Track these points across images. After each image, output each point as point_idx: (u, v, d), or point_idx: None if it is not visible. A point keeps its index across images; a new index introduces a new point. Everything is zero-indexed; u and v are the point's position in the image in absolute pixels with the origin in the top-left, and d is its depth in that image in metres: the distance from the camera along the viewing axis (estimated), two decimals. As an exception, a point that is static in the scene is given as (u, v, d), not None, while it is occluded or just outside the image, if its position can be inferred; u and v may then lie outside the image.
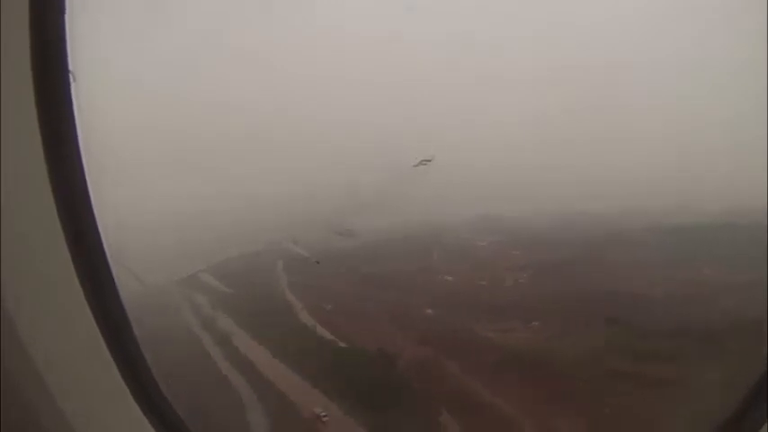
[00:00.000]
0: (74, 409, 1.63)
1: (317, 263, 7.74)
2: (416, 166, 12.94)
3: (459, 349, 15.33)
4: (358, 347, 14.50)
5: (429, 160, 13.13)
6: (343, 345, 14.48)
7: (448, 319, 17.44)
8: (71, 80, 1.63)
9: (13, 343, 1.53)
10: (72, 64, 1.63)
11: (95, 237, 1.75)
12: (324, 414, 12.57)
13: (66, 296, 1.66)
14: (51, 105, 1.57)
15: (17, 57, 1.51)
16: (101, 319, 1.70)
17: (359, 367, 14.16)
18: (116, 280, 1.82)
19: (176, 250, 5.30)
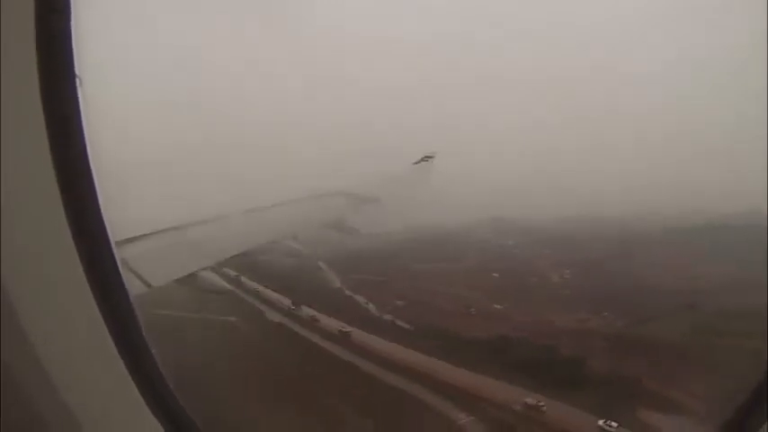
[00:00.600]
0: (78, 404, 1.66)
1: (318, 263, 7.72)
2: (418, 162, 12.91)
3: (559, 335, 16.33)
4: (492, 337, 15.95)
5: (431, 157, 13.07)
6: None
7: (516, 312, 17.89)
8: (77, 84, 1.65)
9: (17, 337, 1.55)
10: (78, 68, 1.65)
11: (100, 231, 1.77)
12: (541, 404, 13.29)
13: (71, 291, 1.68)
14: (58, 109, 1.60)
15: (24, 60, 1.54)
16: (107, 314, 1.72)
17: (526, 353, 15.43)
18: (123, 278, 1.84)
19: (179, 250, 5.32)
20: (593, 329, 16.56)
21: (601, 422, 12.42)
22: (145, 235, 5.13)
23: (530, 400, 13.65)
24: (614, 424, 12.23)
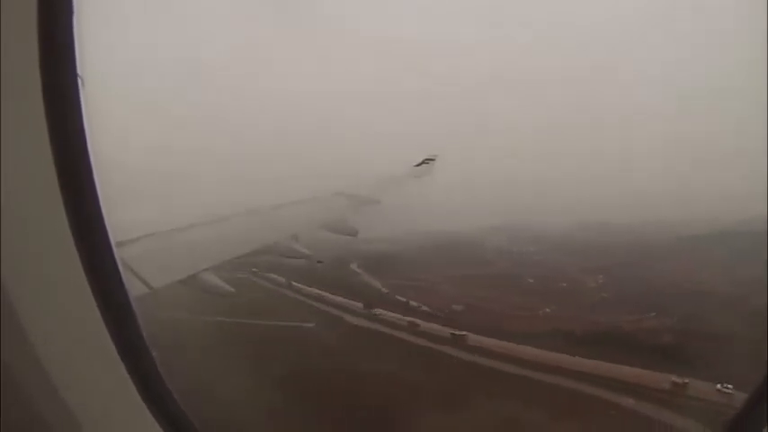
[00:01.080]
0: (78, 404, 1.66)
1: (320, 262, 7.72)
2: (419, 165, 12.95)
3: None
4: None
5: (432, 159, 13.12)
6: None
7: (566, 315, 18.12)
8: (80, 85, 1.65)
9: (17, 337, 1.56)
10: (80, 69, 1.65)
11: (101, 232, 1.77)
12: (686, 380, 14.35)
13: (71, 291, 1.68)
14: (61, 110, 1.59)
15: (26, 61, 1.54)
16: (107, 316, 1.72)
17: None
18: (123, 278, 1.84)
19: (180, 251, 5.31)
20: (654, 327, 17.05)
21: (718, 386, 13.77)
22: (145, 236, 5.12)
23: (675, 379, 14.74)
24: (730, 386, 13.49)
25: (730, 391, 13.54)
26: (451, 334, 17.27)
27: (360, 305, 18.85)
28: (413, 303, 19.31)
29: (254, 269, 18.22)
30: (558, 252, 22.38)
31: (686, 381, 14.69)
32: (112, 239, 1.80)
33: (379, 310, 18.65)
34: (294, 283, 18.93)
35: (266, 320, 15.61)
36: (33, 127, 1.56)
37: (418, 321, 18.22)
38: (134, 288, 3.99)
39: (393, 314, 18.53)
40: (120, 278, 1.82)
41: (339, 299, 19.19)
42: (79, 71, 1.65)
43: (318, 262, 7.62)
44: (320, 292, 19.21)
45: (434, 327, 17.81)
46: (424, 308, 18.87)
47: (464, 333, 17.23)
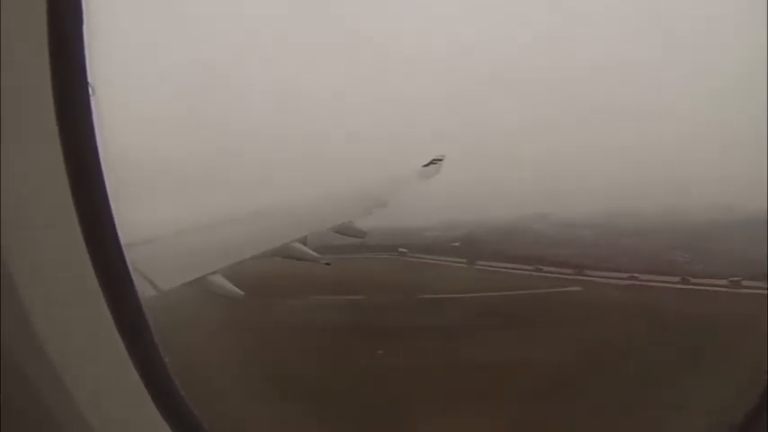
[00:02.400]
0: (89, 406, 1.67)
1: (327, 264, 7.73)
2: (426, 165, 12.94)
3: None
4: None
5: (440, 159, 13.11)
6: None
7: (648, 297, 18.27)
8: (90, 93, 1.67)
9: (29, 338, 1.57)
10: (91, 77, 1.67)
11: (112, 234, 1.80)
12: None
13: (83, 296, 1.70)
14: (71, 118, 1.61)
15: (37, 68, 1.56)
16: (117, 318, 1.74)
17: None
18: (133, 280, 1.86)
19: (189, 253, 5.34)
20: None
21: None
22: (154, 238, 5.15)
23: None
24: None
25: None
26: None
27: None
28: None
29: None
30: (614, 234, 22.35)
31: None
32: (123, 242, 1.82)
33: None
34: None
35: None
36: (45, 134, 1.58)
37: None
38: (142, 290, 4.02)
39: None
40: (131, 280, 1.84)
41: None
42: (90, 79, 1.67)
43: (326, 264, 7.62)
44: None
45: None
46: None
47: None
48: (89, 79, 1.66)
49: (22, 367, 1.59)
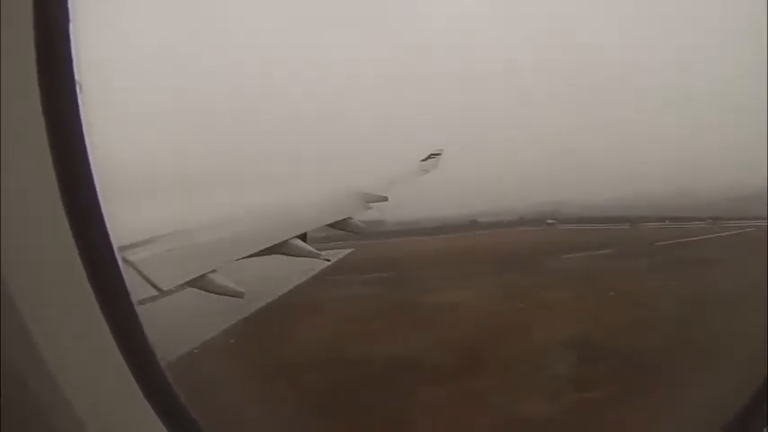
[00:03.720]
0: (86, 410, 1.67)
1: (327, 261, 7.73)
2: (425, 160, 12.94)
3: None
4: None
5: (438, 154, 13.12)
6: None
7: None
8: (78, 90, 1.65)
9: (23, 340, 1.56)
10: (79, 71, 1.65)
11: (104, 237, 1.77)
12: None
13: (76, 299, 1.69)
14: (59, 116, 1.59)
15: (22, 64, 1.54)
16: (110, 320, 1.72)
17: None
18: (126, 282, 1.85)
19: (188, 253, 5.33)
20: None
21: None
22: (152, 238, 5.14)
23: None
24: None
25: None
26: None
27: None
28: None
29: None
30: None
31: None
32: (114, 242, 1.80)
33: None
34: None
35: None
36: (32, 132, 1.56)
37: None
38: (142, 291, 4.02)
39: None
40: (123, 282, 1.83)
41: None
42: (77, 76, 1.65)
43: (326, 260, 7.62)
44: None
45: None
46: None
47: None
48: (77, 77, 1.64)
49: (19, 372, 1.58)
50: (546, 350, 11.55)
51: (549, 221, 22.34)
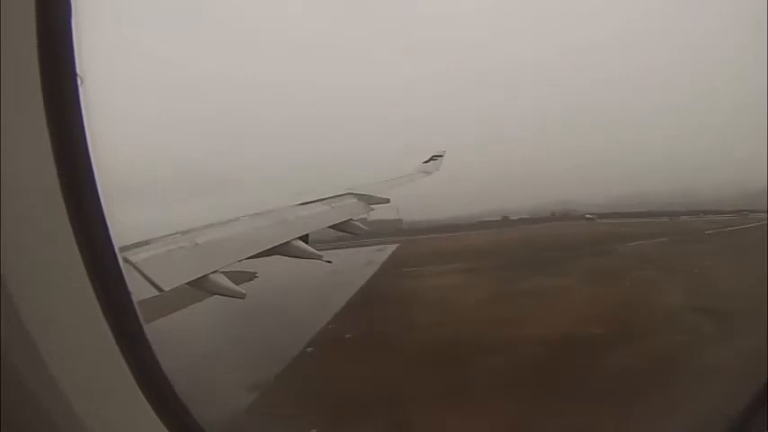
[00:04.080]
0: (87, 411, 1.66)
1: (328, 262, 7.73)
2: (427, 162, 12.95)
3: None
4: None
5: (440, 155, 13.13)
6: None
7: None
8: (79, 83, 1.65)
9: (23, 340, 1.56)
10: (79, 68, 1.65)
11: (106, 238, 1.78)
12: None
13: (76, 298, 1.68)
14: (60, 111, 1.59)
15: (24, 60, 1.54)
16: (110, 319, 1.72)
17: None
18: (127, 283, 1.85)
19: (191, 255, 5.33)
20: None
21: None
22: (154, 239, 5.14)
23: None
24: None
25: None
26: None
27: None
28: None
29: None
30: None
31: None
32: (116, 244, 1.81)
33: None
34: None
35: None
36: (33, 129, 1.56)
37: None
38: (144, 291, 4.02)
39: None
40: (124, 281, 1.83)
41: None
42: (79, 71, 1.65)
43: (327, 261, 7.62)
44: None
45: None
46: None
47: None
48: (78, 71, 1.64)
49: (18, 370, 1.57)
50: (674, 316, 12.01)
51: (587, 216, 23.50)
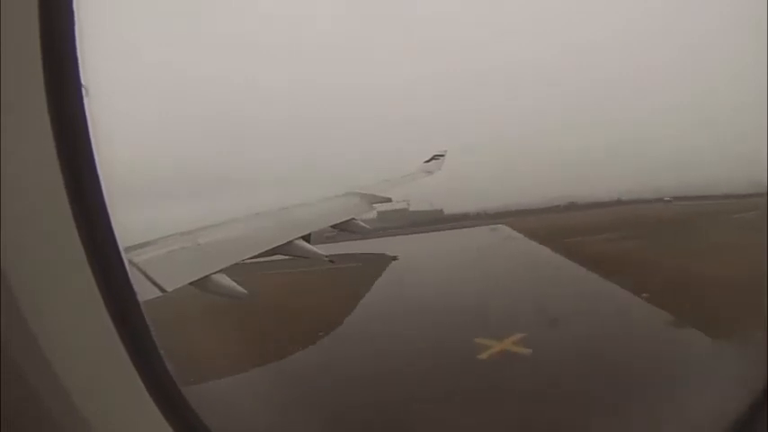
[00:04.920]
0: (90, 409, 1.67)
1: (331, 261, 7.73)
2: (428, 161, 12.93)
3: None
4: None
5: (442, 155, 13.11)
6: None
7: None
8: (84, 94, 1.67)
9: (26, 340, 1.57)
10: (84, 78, 1.67)
11: (110, 239, 1.79)
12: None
13: (82, 298, 1.70)
14: (66, 120, 1.61)
15: (29, 70, 1.56)
16: (116, 319, 1.73)
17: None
18: (131, 281, 1.86)
19: (193, 255, 5.34)
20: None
21: None
22: (157, 239, 5.16)
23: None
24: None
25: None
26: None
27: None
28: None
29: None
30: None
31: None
32: (121, 246, 1.82)
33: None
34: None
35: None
36: (39, 136, 1.58)
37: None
38: (146, 291, 4.04)
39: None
40: (129, 281, 1.84)
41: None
42: (83, 81, 1.67)
43: (330, 261, 7.62)
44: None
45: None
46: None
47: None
48: (83, 81, 1.66)
49: (21, 369, 1.59)
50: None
51: (666, 199, 26.35)
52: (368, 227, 8.87)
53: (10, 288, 1.51)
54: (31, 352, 1.57)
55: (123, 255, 1.84)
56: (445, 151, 13.18)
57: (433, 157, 13.01)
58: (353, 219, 8.54)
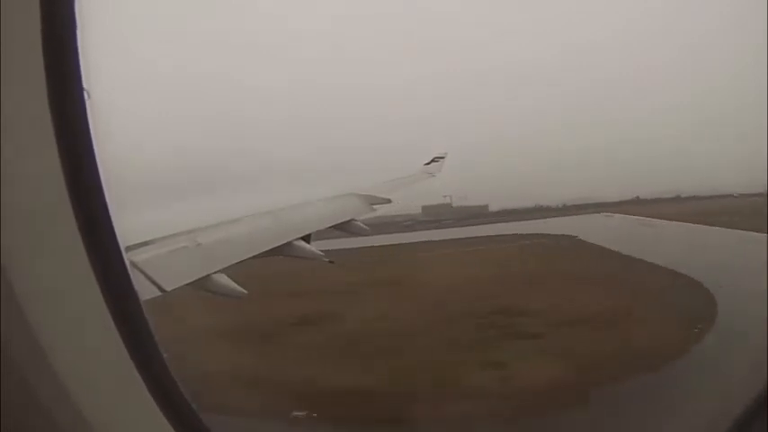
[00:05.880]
0: (91, 409, 1.68)
1: (331, 262, 7.73)
2: (428, 163, 12.94)
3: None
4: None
5: (442, 157, 13.10)
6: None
7: None
8: (86, 97, 1.67)
9: (28, 341, 1.57)
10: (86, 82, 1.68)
11: (110, 237, 1.80)
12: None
13: (83, 298, 1.71)
14: (67, 121, 1.62)
15: (32, 73, 1.57)
16: (117, 319, 1.74)
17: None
18: (133, 282, 1.87)
19: (192, 255, 5.33)
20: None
21: None
22: (157, 239, 5.15)
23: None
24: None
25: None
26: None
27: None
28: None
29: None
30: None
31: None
32: (122, 245, 1.82)
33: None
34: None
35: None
36: (41, 138, 1.58)
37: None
38: (146, 291, 4.04)
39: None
40: (131, 281, 1.85)
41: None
42: (85, 84, 1.67)
43: (330, 262, 7.61)
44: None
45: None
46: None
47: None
48: (84, 84, 1.67)
49: (21, 369, 1.59)
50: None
51: (734, 195, 27.72)
52: (367, 228, 8.86)
53: (10, 288, 1.52)
54: (32, 352, 1.57)
55: (124, 254, 1.85)
56: (445, 153, 13.17)
57: (434, 159, 13.00)
58: (353, 219, 8.54)
